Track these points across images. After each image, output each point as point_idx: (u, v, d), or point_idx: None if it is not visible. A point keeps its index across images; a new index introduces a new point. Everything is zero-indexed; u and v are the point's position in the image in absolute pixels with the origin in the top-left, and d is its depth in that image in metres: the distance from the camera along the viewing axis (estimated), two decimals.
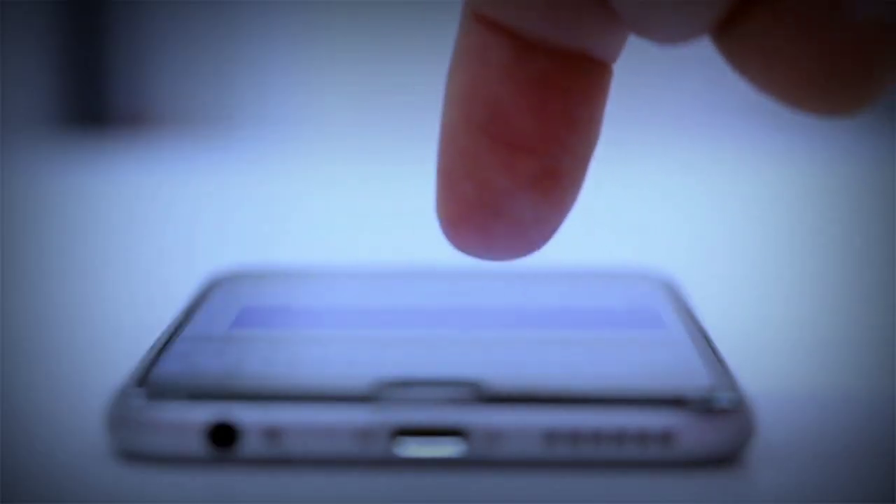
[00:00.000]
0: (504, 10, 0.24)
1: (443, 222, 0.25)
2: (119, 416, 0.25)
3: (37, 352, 0.33)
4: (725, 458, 0.24)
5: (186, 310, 0.31)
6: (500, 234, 0.25)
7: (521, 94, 0.24)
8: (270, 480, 0.24)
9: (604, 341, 0.28)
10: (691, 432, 0.24)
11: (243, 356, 0.27)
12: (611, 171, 0.62)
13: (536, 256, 0.25)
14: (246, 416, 0.24)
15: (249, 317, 0.30)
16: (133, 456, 0.25)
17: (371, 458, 0.24)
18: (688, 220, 0.54)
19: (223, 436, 0.24)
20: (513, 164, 0.24)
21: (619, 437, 0.24)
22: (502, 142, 0.24)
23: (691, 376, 0.26)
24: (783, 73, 0.22)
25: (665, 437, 0.24)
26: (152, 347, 0.28)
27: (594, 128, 0.25)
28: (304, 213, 0.56)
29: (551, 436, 0.24)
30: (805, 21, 0.21)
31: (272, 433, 0.24)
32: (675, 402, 0.24)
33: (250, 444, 0.24)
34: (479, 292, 0.33)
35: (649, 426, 0.24)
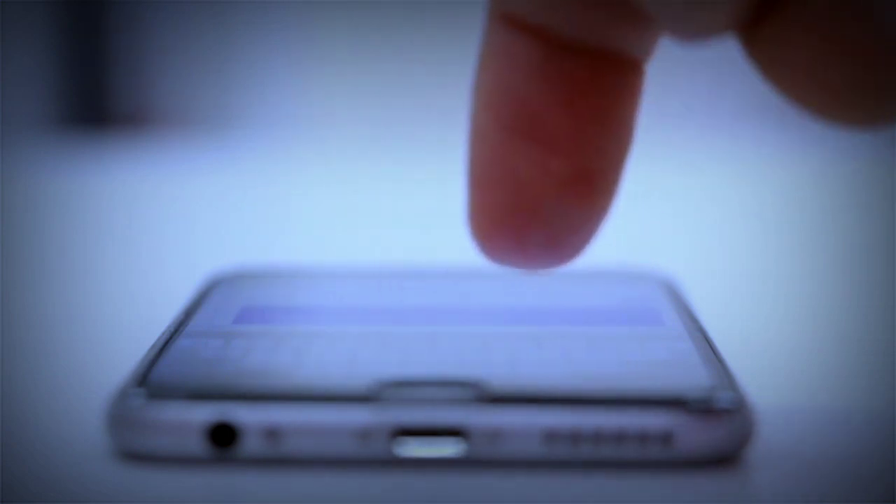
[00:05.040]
0: (532, 9, 0.23)
1: (475, 230, 0.24)
2: (119, 416, 0.25)
3: (37, 352, 0.33)
4: (725, 458, 0.24)
5: (186, 309, 0.31)
6: (534, 242, 0.24)
7: (553, 94, 0.23)
8: (270, 480, 0.24)
9: (604, 341, 0.28)
10: (691, 432, 0.24)
11: (243, 356, 0.27)
12: None
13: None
14: (246, 416, 0.24)
15: (249, 316, 0.30)
16: (133, 456, 0.24)
17: (371, 458, 0.24)
18: (688, 220, 0.54)
19: (223, 436, 0.24)
20: (546, 166, 0.24)
21: (620, 437, 0.24)
22: (535, 142, 0.24)
23: (691, 376, 0.26)
24: (809, 81, 0.21)
25: (665, 437, 0.24)
26: (152, 347, 0.28)
27: (628, 129, 0.24)
28: (304, 213, 0.56)
29: (551, 436, 0.24)
30: (834, 29, 0.20)
31: (272, 433, 0.24)
32: (675, 402, 0.24)
33: (250, 444, 0.24)
34: (480, 292, 0.33)
35: (649, 426, 0.24)
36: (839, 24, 0.20)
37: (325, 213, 0.55)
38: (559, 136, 0.24)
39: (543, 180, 0.24)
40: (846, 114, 0.21)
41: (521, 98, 0.24)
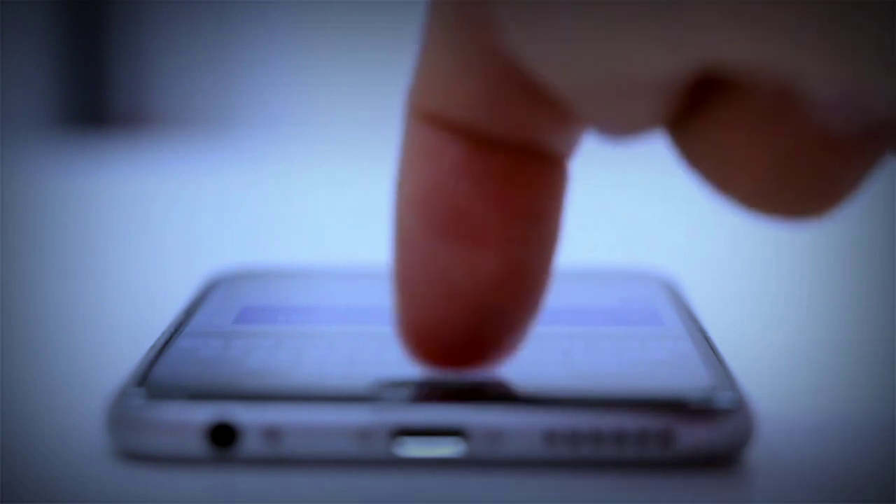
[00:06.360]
0: (455, 108, 0.23)
1: (405, 337, 0.24)
2: (119, 416, 0.25)
3: (37, 352, 0.33)
4: (725, 458, 0.24)
5: (186, 309, 0.31)
6: (467, 345, 0.24)
7: (479, 190, 0.23)
8: (270, 480, 0.24)
9: (603, 341, 0.28)
10: (691, 432, 0.24)
11: (243, 356, 0.27)
12: (611, 172, 0.63)
13: None
14: (246, 416, 0.24)
15: (249, 316, 0.30)
16: (133, 456, 0.25)
17: (371, 458, 0.24)
18: (688, 220, 0.54)
19: (223, 436, 0.24)
20: (476, 264, 0.23)
21: (619, 437, 0.24)
22: (463, 240, 0.23)
23: (691, 376, 0.26)
24: (736, 174, 0.21)
25: (665, 437, 0.24)
26: (152, 347, 0.28)
27: (555, 224, 0.24)
28: (304, 213, 0.56)
29: (551, 436, 0.24)
30: (762, 122, 0.21)
31: (272, 433, 0.24)
32: (675, 402, 0.24)
33: (250, 444, 0.24)
34: None
35: (649, 426, 0.24)
36: (769, 116, 0.21)
37: (325, 213, 0.55)
38: (488, 231, 0.23)
39: (475, 279, 0.23)
40: (771, 206, 0.21)
41: (448, 195, 0.23)
